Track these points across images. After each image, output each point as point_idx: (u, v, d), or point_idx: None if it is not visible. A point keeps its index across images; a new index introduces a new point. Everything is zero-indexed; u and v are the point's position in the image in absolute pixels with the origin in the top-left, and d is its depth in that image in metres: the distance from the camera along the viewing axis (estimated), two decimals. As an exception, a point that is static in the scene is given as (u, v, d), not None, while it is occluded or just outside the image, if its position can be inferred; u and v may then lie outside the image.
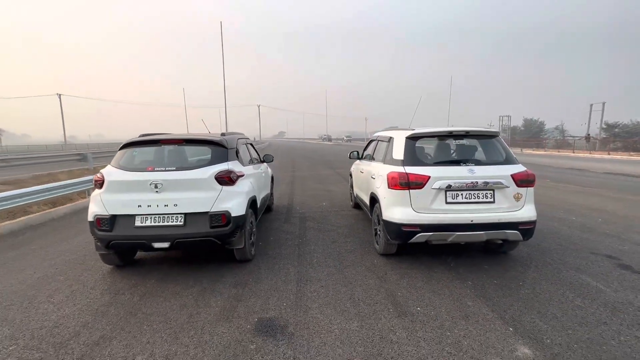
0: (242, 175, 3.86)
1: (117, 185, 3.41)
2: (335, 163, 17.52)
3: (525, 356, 2.23)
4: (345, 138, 74.93)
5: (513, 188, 3.49)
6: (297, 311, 2.84)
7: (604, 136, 34.10)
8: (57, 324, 2.70)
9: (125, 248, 3.63)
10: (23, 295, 3.20)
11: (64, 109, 46.13)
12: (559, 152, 30.01)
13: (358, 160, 6.00)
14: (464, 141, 4.03)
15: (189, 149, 3.93)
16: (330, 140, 74.74)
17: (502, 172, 3.52)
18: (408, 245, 3.84)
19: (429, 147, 4.08)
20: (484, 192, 3.48)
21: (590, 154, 26.58)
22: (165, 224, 3.35)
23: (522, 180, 3.51)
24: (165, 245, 3.32)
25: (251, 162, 4.87)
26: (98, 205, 3.40)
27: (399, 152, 3.83)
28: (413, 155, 3.72)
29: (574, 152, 28.33)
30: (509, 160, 3.70)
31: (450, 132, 3.79)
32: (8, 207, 5.69)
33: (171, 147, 3.83)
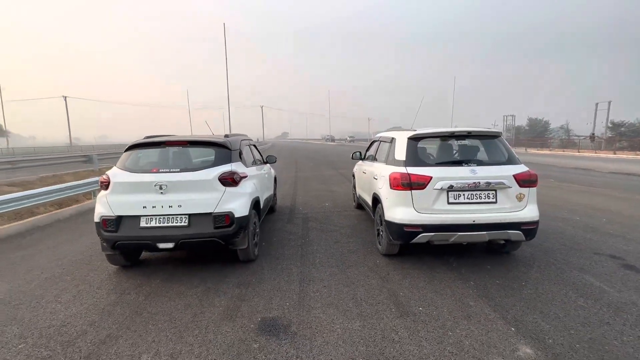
0: (245, 177, 3.90)
1: (122, 187, 3.47)
2: (338, 163, 17.53)
3: (527, 356, 2.24)
4: (348, 138, 74.90)
5: (515, 188, 3.49)
6: (300, 311, 2.87)
7: (610, 135, 33.78)
8: (64, 323, 2.75)
9: (130, 248, 3.68)
10: (31, 295, 3.26)
11: (68, 111, 46.62)
12: (564, 151, 29.78)
13: (361, 161, 6.03)
14: (466, 141, 4.03)
15: (193, 151, 3.98)
16: (333, 140, 74.75)
17: (504, 173, 3.53)
18: (410, 246, 3.86)
19: (431, 148, 4.09)
20: (486, 192, 3.48)
21: (595, 153, 26.35)
22: (170, 224, 3.40)
23: (524, 181, 3.51)
24: (170, 245, 3.37)
25: (254, 163, 4.91)
26: (104, 206, 3.46)
27: (401, 152, 3.85)
28: (415, 156, 3.73)
29: (579, 152, 28.11)
30: (511, 161, 3.70)
31: (452, 132, 3.80)
32: (15, 208, 5.77)
33: (175, 148, 3.88)
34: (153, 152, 3.92)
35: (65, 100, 46.81)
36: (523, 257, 3.97)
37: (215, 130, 6.12)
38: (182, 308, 2.95)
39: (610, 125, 35.64)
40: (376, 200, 4.26)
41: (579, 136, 35.11)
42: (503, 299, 2.99)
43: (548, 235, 4.76)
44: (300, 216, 6.20)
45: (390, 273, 3.59)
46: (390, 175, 3.73)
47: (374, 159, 5.05)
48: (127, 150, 3.81)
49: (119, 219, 3.41)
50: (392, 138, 4.28)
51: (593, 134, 32.54)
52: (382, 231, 4.03)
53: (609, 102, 33.04)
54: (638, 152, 24.43)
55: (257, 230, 4.23)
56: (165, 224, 3.39)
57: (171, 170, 3.51)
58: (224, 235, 3.45)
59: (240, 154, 4.20)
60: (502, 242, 3.80)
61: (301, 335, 2.52)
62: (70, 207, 7.16)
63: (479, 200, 3.48)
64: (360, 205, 6.21)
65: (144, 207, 3.39)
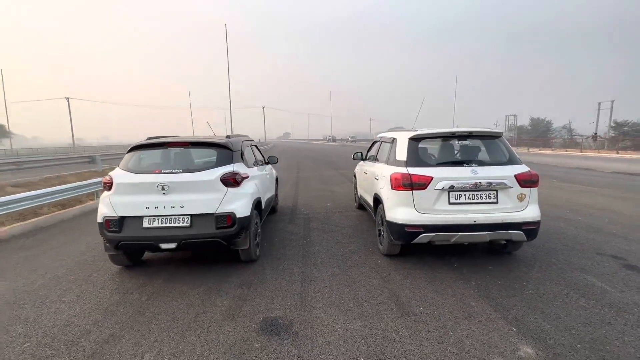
0: (247, 177, 3.92)
1: (125, 188, 3.49)
2: (339, 164, 17.54)
3: (528, 356, 2.25)
4: (349, 139, 74.86)
5: (516, 188, 3.50)
6: (302, 311, 2.88)
7: (613, 135, 33.60)
8: (68, 323, 2.78)
9: (133, 249, 3.71)
10: (35, 295, 3.30)
11: (71, 112, 46.86)
12: (566, 151, 29.65)
13: (362, 161, 6.03)
14: (467, 142, 4.04)
15: (195, 152, 4.01)
16: (334, 140, 74.73)
17: (505, 173, 3.53)
18: (412, 246, 3.87)
19: (432, 148, 4.10)
20: (487, 192, 3.49)
21: (598, 153, 26.22)
22: (172, 225, 3.42)
23: (525, 181, 3.51)
24: (172, 246, 3.40)
25: (256, 163, 4.94)
26: (107, 207, 3.49)
27: (402, 153, 3.86)
28: (416, 156, 3.74)
29: (581, 152, 27.98)
30: (512, 161, 3.70)
31: (453, 132, 3.80)
32: (19, 209, 5.82)
33: (178, 149, 3.90)
34: (155, 153, 3.94)
35: (68, 101, 47.07)
36: (524, 257, 3.96)
37: (216, 130, 6.15)
38: (184, 308, 2.97)
39: (613, 124, 35.46)
40: (377, 200, 4.27)
41: (581, 136, 34.95)
42: (504, 299, 3.00)
43: (550, 235, 4.75)
44: (301, 216, 6.22)
45: (392, 273, 3.60)
46: (391, 176, 3.73)
47: (375, 159, 5.05)
48: (129, 151, 3.83)
49: (122, 219, 3.44)
50: (393, 138, 4.29)
51: (595, 133, 32.40)
52: (383, 231, 4.04)
53: (612, 102, 32.93)
54: (641, 152, 24.30)
55: (259, 230, 4.25)
56: (168, 225, 3.42)
57: (173, 171, 3.54)
58: (225, 236, 3.47)
59: (242, 154, 4.23)
60: (504, 242, 3.80)
61: (303, 335, 2.54)
62: (73, 208, 7.20)
63: (480, 201, 3.48)
64: (361, 205, 6.22)
65: (146, 208, 3.42)
